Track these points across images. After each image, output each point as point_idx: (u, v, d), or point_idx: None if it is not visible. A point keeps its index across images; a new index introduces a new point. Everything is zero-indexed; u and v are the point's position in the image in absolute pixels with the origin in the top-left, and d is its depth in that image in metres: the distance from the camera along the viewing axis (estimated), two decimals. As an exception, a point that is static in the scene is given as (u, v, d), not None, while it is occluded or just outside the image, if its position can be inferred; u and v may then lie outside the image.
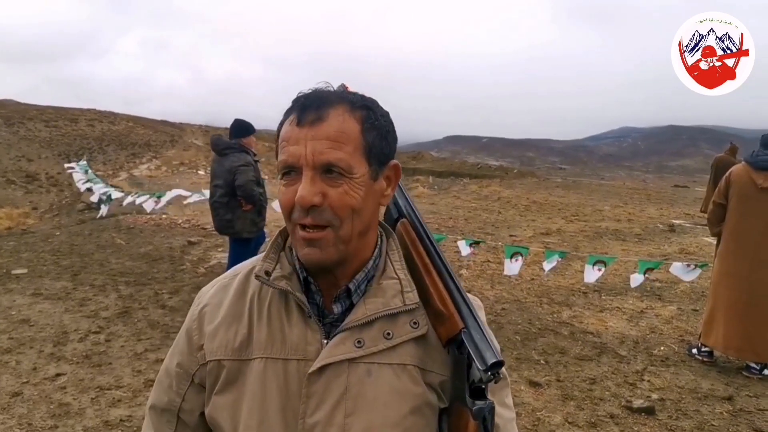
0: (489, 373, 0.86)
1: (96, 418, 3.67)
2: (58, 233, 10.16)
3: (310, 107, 0.91)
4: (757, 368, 4.56)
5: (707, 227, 5.33)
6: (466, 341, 0.90)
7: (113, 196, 10.66)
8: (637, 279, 6.18)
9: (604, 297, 6.72)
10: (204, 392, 1.03)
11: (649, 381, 4.43)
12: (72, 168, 13.08)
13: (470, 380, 0.90)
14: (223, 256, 7.88)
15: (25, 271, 7.26)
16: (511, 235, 10.98)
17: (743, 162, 4.69)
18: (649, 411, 3.90)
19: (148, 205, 9.80)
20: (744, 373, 4.59)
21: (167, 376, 1.08)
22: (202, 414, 1.04)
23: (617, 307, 6.32)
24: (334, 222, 0.90)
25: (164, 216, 11.12)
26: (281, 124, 0.96)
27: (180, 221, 10.80)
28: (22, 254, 8.30)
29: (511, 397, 1.07)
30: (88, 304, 5.94)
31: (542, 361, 4.76)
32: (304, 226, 0.91)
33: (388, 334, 0.94)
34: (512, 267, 6.39)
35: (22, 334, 5.05)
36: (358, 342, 0.93)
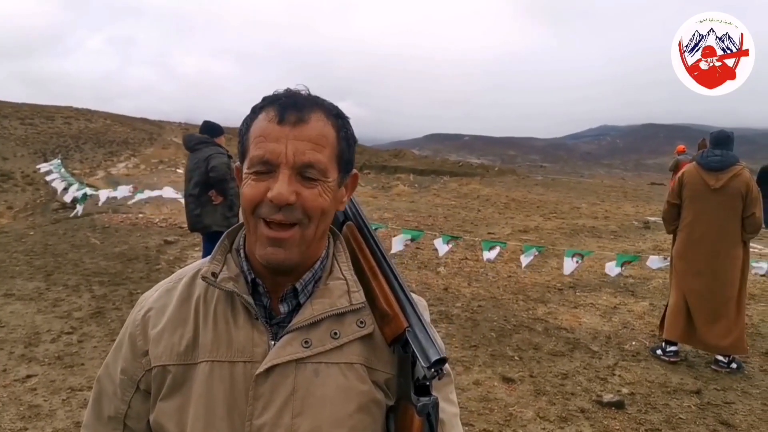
0: (432, 369, 0.87)
1: (67, 420, 3.63)
2: (32, 233, 10.00)
3: (291, 107, 0.92)
4: (725, 362, 4.66)
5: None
6: (410, 340, 0.91)
7: (88, 194, 10.50)
8: (612, 269, 6.28)
9: (578, 293, 6.81)
10: (150, 399, 1.01)
11: (619, 376, 4.51)
12: (47, 170, 12.83)
13: (415, 377, 0.92)
14: (200, 256, 7.83)
15: (-4, 271, 7.15)
16: (489, 233, 11.06)
17: (694, 163, 4.76)
18: (618, 405, 3.97)
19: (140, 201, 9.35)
20: (713, 367, 4.69)
21: (110, 383, 1.05)
22: (149, 420, 1.02)
23: (591, 303, 6.41)
24: (303, 221, 0.91)
25: (140, 215, 11.00)
26: (251, 119, 0.95)
27: (156, 220, 10.69)
28: (-6, 254, 8.16)
29: (455, 393, 1.09)
30: (61, 304, 5.87)
31: (516, 357, 4.81)
32: (268, 224, 0.91)
33: (335, 333, 0.95)
34: (489, 254, 6.81)
35: (-7, 335, 4.97)
36: (306, 342, 0.93)
